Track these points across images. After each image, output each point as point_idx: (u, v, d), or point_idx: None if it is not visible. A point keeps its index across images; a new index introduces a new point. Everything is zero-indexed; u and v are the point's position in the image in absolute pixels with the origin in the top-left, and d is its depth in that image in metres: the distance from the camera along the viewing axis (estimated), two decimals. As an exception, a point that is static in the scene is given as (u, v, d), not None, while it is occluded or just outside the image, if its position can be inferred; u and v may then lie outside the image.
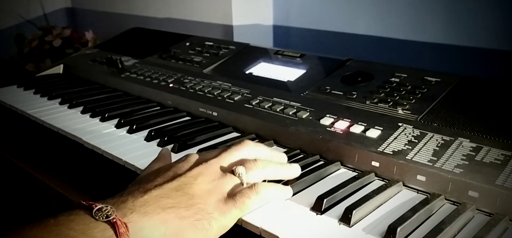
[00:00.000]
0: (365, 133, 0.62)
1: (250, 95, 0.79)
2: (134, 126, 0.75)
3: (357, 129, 0.63)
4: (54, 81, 1.08)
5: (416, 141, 0.58)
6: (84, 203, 0.43)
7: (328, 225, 0.47)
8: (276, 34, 1.35)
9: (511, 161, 0.52)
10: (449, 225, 0.45)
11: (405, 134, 0.60)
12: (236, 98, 0.79)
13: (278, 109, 0.72)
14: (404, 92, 0.70)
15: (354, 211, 0.47)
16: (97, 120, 0.82)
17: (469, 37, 0.97)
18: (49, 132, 0.82)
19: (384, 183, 0.56)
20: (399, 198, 0.53)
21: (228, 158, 0.53)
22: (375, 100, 0.70)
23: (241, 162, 0.52)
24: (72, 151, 0.77)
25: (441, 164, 0.53)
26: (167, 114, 0.82)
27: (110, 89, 0.99)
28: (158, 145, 0.69)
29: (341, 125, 0.64)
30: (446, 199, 0.52)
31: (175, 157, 0.65)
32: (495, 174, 0.50)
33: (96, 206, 0.43)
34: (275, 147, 0.68)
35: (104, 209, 0.42)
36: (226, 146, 0.56)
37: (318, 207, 0.49)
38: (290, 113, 0.70)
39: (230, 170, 0.51)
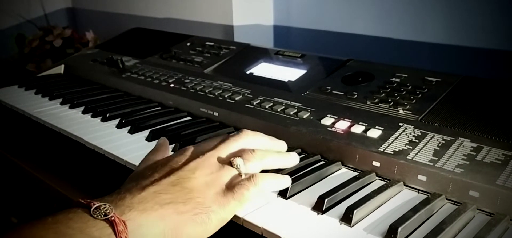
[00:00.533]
0: (366, 133, 0.62)
1: (251, 96, 0.79)
2: (135, 126, 0.75)
3: (358, 129, 0.63)
4: (55, 81, 1.08)
5: (417, 141, 0.58)
6: (83, 201, 0.43)
7: (329, 225, 0.47)
8: (276, 34, 1.36)
9: (512, 161, 0.52)
10: (449, 225, 0.45)
11: (406, 134, 0.60)
12: (237, 99, 0.79)
13: (279, 110, 0.72)
14: (404, 92, 0.70)
15: (355, 211, 0.47)
16: (98, 120, 0.82)
17: (470, 37, 0.98)
18: (50, 132, 0.82)
19: (385, 183, 0.56)
20: (400, 198, 0.53)
21: (226, 149, 0.52)
22: (376, 100, 0.70)
23: (239, 153, 0.52)
24: (73, 151, 0.77)
25: (442, 164, 0.53)
26: (168, 115, 0.82)
27: (111, 89, 0.99)
28: (159, 145, 0.70)
29: (342, 125, 0.65)
30: (447, 199, 0.52)
31: (176, 157, 0.66)
32: (495, 174, 0.50)
33: (94, 204, 0.42)
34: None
35: (102, 207, 0.42)
36: (224, 136, 0.55)
37: (319, 206, 0.49)
38: (291, 113, 0.70)
39: (228, 162, 0.51)
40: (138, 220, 0.43)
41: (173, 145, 0.68)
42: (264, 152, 0.54)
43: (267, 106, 0.74)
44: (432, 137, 0.59)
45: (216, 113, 0.78)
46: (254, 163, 0.52)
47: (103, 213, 0.42)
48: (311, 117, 0.69)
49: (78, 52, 1.34)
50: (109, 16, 1.76)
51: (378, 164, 0.57)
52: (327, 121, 0.66)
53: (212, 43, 1.07)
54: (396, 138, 0.60)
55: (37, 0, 1.79)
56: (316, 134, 0.64)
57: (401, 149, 0.58)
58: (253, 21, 1.31)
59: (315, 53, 0.91)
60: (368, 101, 0.70)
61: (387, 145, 0.59)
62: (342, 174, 0.59)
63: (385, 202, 0.52)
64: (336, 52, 1.17)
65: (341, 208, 0.49)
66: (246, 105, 0.76)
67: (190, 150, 0.53)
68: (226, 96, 0.80)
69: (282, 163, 0.56)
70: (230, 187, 0.48)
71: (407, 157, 0.56)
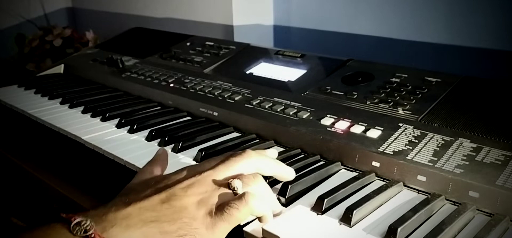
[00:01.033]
0: (365, 133, 0.62)
1: (251, 95, 0.79)
2: (135, 126, 0.75)
3: (358, 129, 0.63)
4: (54, 81, 1.08)
5: (417, 141, 0.58)
6: (64, 215, 0.41)
7: (328, 225, 0.47)
8: (276, 34, 1.36)
9: (512, 161, 0.52)
10: (449, 225, 0.45)
11: (406, 134, 0.60)
12: (236, 98, 0.79)
13: (278, 110, 0.72)
14: (404, 92, 0.70)
15: (354, 211, 0.47)
16: (97, 119, 0.82)
17: (470, 37, 0.97)
18: (49, 131, 0.82)
19: (384, 183, 0.56)
20: (400, 198, 0.53)
21: (225, 170, 0.48)
22: (376, 100, 0.70)
23: (239, 175, 0.48)
24: (72, 151, 0.77)
25: (441, 164, 0.53)
26: (167, 114, 0.82)
27: (110, 89, 0.99)
28: (159, 144, 0.69)
29: (342, 125, 0.64)
30: (446, 199, 0.52)
31: (175, 156, 0.66)
32: (495, 174, 0.50)
33: (74, 219, 0.40)
34: (276, 147, 0.68)
35: (83, 223, 0.40)
36: (226, 155, 0.51)
37: (319, 207, 0.49)
38: (291, 113, 0.70)
39: (225, 183, 0.47)
40: (120, 237, 0.41)
41: (172, 145, 0.68)
42: (262, 185, 0.49)
43: (266, 106, 0.74)
44: (432, 137, 0.59)
45: (215, 113, 0.78)
46: (254, 188, 0.47)
47: (83, 230, 0.40)
48: (311, 118, 0.68)
49: (78, 52, 1.34)
50: (109, 15, 1.76)
51: (377, 164, 0.57)
52: (326, 121, 0.66)
53: (212, 43, 1.07)
54: (395, 138, 0.60)
55: (37, 0, 1.79)
56: (315, 134, 0.64)
57: (400, 149, 0.57)
58: (253, 21, 1.31)
59: (315, 53, 0.91)
60: (368, 102, 0.70)
61: (387, 145, 0.59)
62: (342, 174, 0.59)
63: (385, 203, 0.52)
64: (336, 52, 1.17)
65: (341, 208, 0.49)
66: (246, 105, 0.76)
67: (188, 168, 0.50)
68: (225, 96, 0.80)
69: (282, 177, 0.53)
70: (220, 207, 0.45)
71: (407, 157, 0.56)
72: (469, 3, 0.96)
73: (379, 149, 0.58)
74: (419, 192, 0.54)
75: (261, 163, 0.51)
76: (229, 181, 0.47)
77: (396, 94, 0.70)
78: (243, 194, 0.45)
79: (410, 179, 0.55)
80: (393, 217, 0.47)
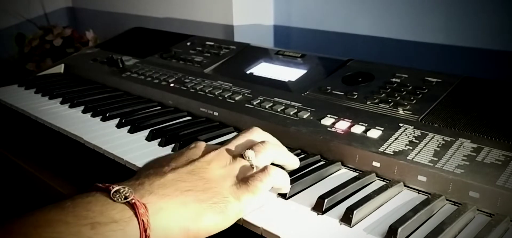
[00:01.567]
0: (366, 133, 0.62)
1: (251, 95, 0.79)
2: (135, 126, 0.75)
3: (358, 129, 0.63)
4: (55, 80, 1.08)
5: (417, 141, 0.58)
6: (101, 185, 0.43)
7: (329, 225, 0.47)
8: (276, 34, 1.36)
9: (512, 161, 0.52)
10: (450, 225, 0.45)
11: (406, 134, 0.60)
12: (237, 98, 0.79)
13: (279, 110, 0.72)
14: (405, 92, 0.70)
15: (355, 211, 0.47)
16: (98, 119, 0.82)
17: (470, 38, 0.98)
18: (50, 131, 0.82)
19: (385, 183, 0.56)
20: (400, 198, 0.53)
21: (237, 143, 0.54)
22: (376, 100, 0.70)
23: (250, 146, 0.53)
24: (73, 150, 0.77)
25: (442, 165, 0.53)
26: (168, 114, 0.82)
27: (111, 89, 0.99)
28: (159, 144, 0.69)
29: (342, 125, 0.64)
30: (447, 200, 0.52)
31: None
32: (496, 174, 0.50)
33: (113, 188, 0.42)
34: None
35: (122, 190, 0.42)
36: (237, 133, 0.57)
37: (319, 207, 0.49)
38: (291, 113, 0.70)
39: (239, 154, 0.52)
40: (159, 203, 0.43)
41: (173, 145, 0.68)
42: (274, 144, 0.55)
43: (267, 106, 0.74)
44: (432, 138, 0.59)
45: (216, 113, 0.78)
46: (265, 155, 0.52)
47: (123, 196, 0.42)
48: (311, 118, 0.68)
49: (78, 52, 1.34)
50: (109, 15, 1.76)
51: (378, 164, 0.57)
52: (327, 121, 0.66)
53: (212, 43, 1.07)
54: (396, 138, 0.60)
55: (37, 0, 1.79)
56: (316, 134, 0.64)
57: (401, 149, 0.57)
58: (253, 21, 1.31)
59: (315, 53, 0.91)
60: (368, 102, 0.70)
61: (387, 145, 0.59)
62: (342, 174, 0.59)
63: (385, 203, 0.52)
64: (336, 52, 1.17)
65: (341, 208, 0.49)
66: (246, 105, 0.76)
67: (204, 144, 0.55)
68: (226, 96, 0.80)
69: (288, 159, 0.57)
70: (245, 179, 0.49)
71: (407, 158, 0.56)
72: (469, 3, 0.96)
73: (379, 149, 0.58)
74: (420, 192, 0.54)
75: (268, 136, 0.57)
76: (243, 151, 0.52)
77: (396, 95, 0.70)
78: (266, 167, 0.50)
79: (411, 179, 0.55)
80: (394, 217, 0.47)
